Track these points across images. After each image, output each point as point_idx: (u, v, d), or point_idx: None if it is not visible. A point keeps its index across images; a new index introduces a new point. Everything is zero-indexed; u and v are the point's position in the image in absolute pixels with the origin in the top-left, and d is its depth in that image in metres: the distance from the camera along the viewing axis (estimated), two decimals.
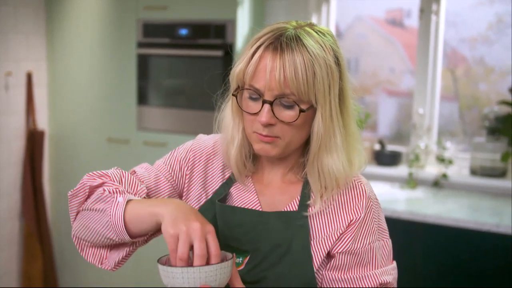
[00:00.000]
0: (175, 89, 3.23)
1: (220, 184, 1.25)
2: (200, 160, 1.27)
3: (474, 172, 3.01)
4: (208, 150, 1.27)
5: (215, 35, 2.99)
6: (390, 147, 3.32)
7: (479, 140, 3.03)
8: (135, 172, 1.27)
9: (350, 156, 1.18)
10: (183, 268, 0.96)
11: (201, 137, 1.31)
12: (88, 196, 1.16)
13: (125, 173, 1.21)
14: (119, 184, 1.17)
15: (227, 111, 1.21)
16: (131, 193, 1.18)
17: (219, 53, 2.96)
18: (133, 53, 3.24)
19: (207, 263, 0.98)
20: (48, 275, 3.59)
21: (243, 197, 1.22)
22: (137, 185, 1.21)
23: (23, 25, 3.43)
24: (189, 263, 0.99)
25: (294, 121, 1.10)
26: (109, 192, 1.11)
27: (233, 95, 1.16)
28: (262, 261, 1.16)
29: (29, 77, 3.48)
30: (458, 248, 2.50)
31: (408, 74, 3.39)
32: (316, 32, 1.12)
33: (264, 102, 1.10)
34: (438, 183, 3.02)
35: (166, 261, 1.04)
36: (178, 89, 3.21)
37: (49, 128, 3.63)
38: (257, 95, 1.11)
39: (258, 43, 1.11)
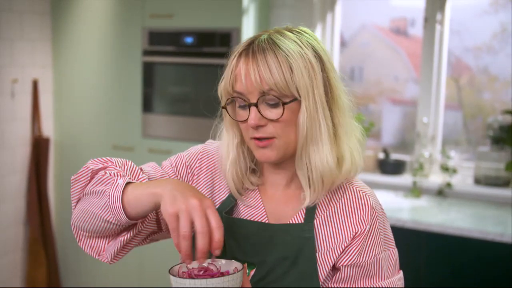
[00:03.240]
0: (180, 96, 3.24)
1: (227, 194, 1.24)
2: (208, 169, 1.26)
3: (478, 181, 3.01)
4: (216, 159, 1.27)
5: (220, 43, 3.01)
6: (394, 156, 3.32)
7: (483, 149, 3.03)
8: (141, 169, 1.26)
9: (339, 151, 1.15)
10: (190, 280, 0.97)
11: (210, 144, 1.30)
12: (90, 180, 1.17)
13: (129, 161, 1.22)
14: (122, 169, 1.18)
15: (224, 128, 1.23)
16: (132, 179, 1.18)
17: (224, 61, 2.97)
18: (139, 61, 3.26)
19: (211, 237, 0.99)
20: (52, 280, 3.60)
21: (250, 208, 1.22)
22: (139, 173, 1.21)
23: (29, 32, 3.45)
24: (199, 267, 1.02)
25: (281, 116, 1.11)
26: (110, 175, 1.12)
27: (222, 107, 1.17)
28: (268, 273, 1.16)
29: (35, 85, 3.50)
30: (462, 257, 2.50)
31: (412, 83, 3.40)
32: (292, 32, 1.15)
33: (249, 106, 1.11)
34: (442, 192, 3.02)
35: (178, 270, 1.05)
36: (183, 96, 3.23)
37: (54, 135, 3.65)
38: (244, 102, 1.12)
39: (234, 54, 1.14)
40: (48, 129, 3.62)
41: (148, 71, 3.24)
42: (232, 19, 2.98)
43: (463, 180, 3.10)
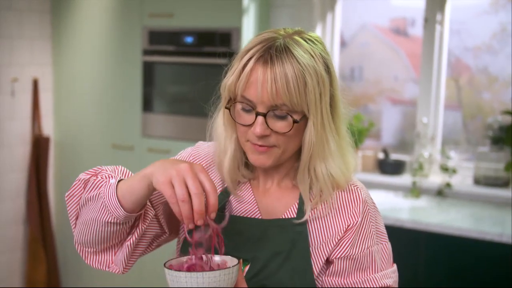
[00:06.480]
0: (180, 96, 3.25)
1: (219, 192, 1.24)
2: None
3: (477, 181, 3.02)
4: (208, 159, 1.28)
5: (220, 43, 3.01)
6: (394, 156, 3.32)
7: (482, 149, 3.03)
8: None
9: (346, 159, 1.19)
10: (186, 273, 0.98)
11: (201, 144, 1.31)
12: (84, 190, 1.17)
13: (119, 166, 1.23)
14: (113, 173, 1.19)
15: (219, 122, 1.21)
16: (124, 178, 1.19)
17: (224, 61, 2.98)
18: (139, 60, 3.26)
19: (206, 199, 1.00)
20: (52, 279, 3.60)
21: (242, 205, 1.22)
22: (130, 174, 1.21)
23: (28, 30, 3.45)
24: (201, 267, 1.03)
25: (288, 131, 1.11)
26: (102, 178, 1.14)
27: (226, 107, 1.15)
28: (262, 269, 1.16)
29: (35, 83, 3.50)
30: (461, 257, 2.51)
31: (412, 83, 3.40)
32: (305, 40, 1.13)
33: (257, 114, 1.10)
34: (441, 192, 3.02)
35: (173, 265, 1.05)
36: (183, 96, 3.23)
37: (54, 134, 3.65)
38: (250, 107, 1.11)
39: (248, 55, 1.11)
40: (48, 128, 3.62)
41: (148, 70, 3.25)
42: (232, 18, 2.98)
43: (462, 181, 3.10)
